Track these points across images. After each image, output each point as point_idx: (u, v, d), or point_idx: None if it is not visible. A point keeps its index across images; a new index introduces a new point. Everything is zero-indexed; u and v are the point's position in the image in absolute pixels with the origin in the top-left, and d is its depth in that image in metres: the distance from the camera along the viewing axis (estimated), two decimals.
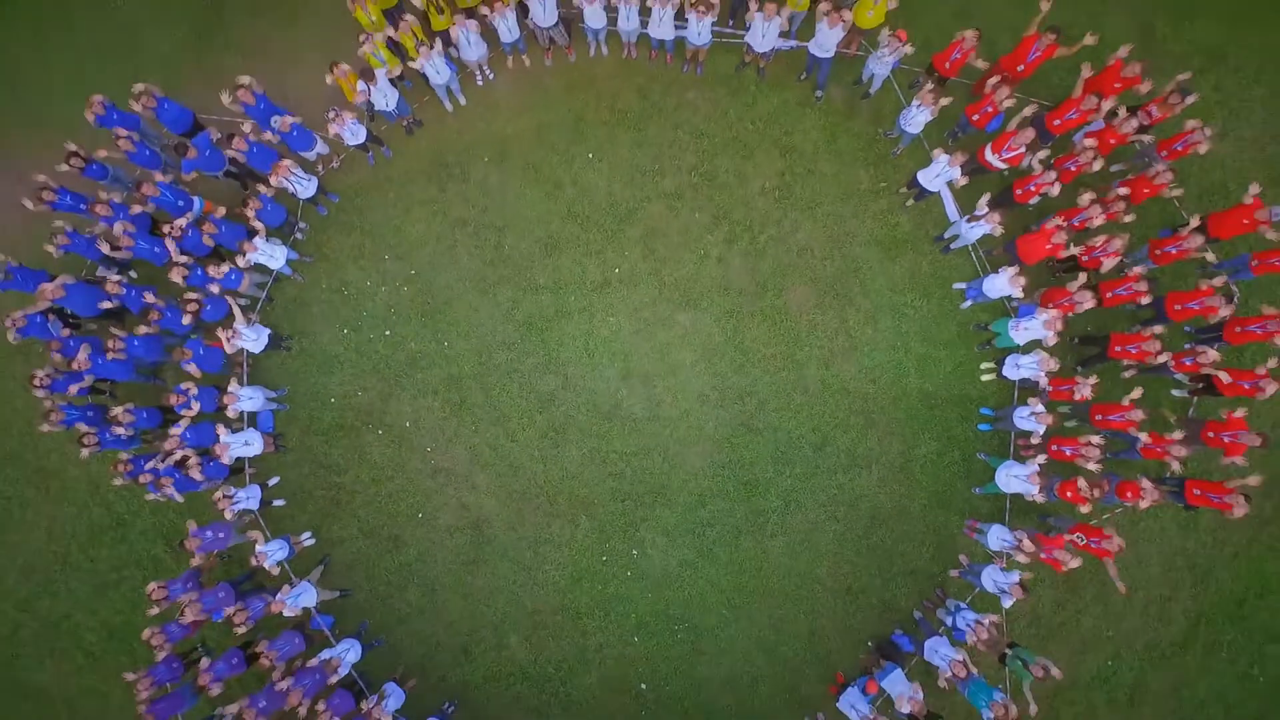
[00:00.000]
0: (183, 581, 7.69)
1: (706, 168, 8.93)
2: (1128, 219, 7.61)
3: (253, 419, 8.41)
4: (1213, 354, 7.49)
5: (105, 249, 7.81)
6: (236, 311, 7.89)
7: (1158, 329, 7.50)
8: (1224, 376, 7.53)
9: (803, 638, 8.61)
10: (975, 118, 7.97)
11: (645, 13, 8.22)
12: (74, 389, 7.68)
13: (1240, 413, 7.39)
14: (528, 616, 8.70)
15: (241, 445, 7.95)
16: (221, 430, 7.67)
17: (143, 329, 7.79)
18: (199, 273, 7.76)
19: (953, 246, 8.62)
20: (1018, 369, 8.02)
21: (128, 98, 7.54)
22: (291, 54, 9.08)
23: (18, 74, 9.31)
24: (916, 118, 7.98)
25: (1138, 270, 7.51)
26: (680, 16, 8.11)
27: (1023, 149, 7.66)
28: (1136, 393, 7.36)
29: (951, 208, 8.47)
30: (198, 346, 7.82)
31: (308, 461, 8.74)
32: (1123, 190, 7.72)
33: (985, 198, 7.81)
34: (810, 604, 8.65)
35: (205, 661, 7.36)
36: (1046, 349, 7.74)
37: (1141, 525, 8.52)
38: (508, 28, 8.21)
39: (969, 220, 7.92)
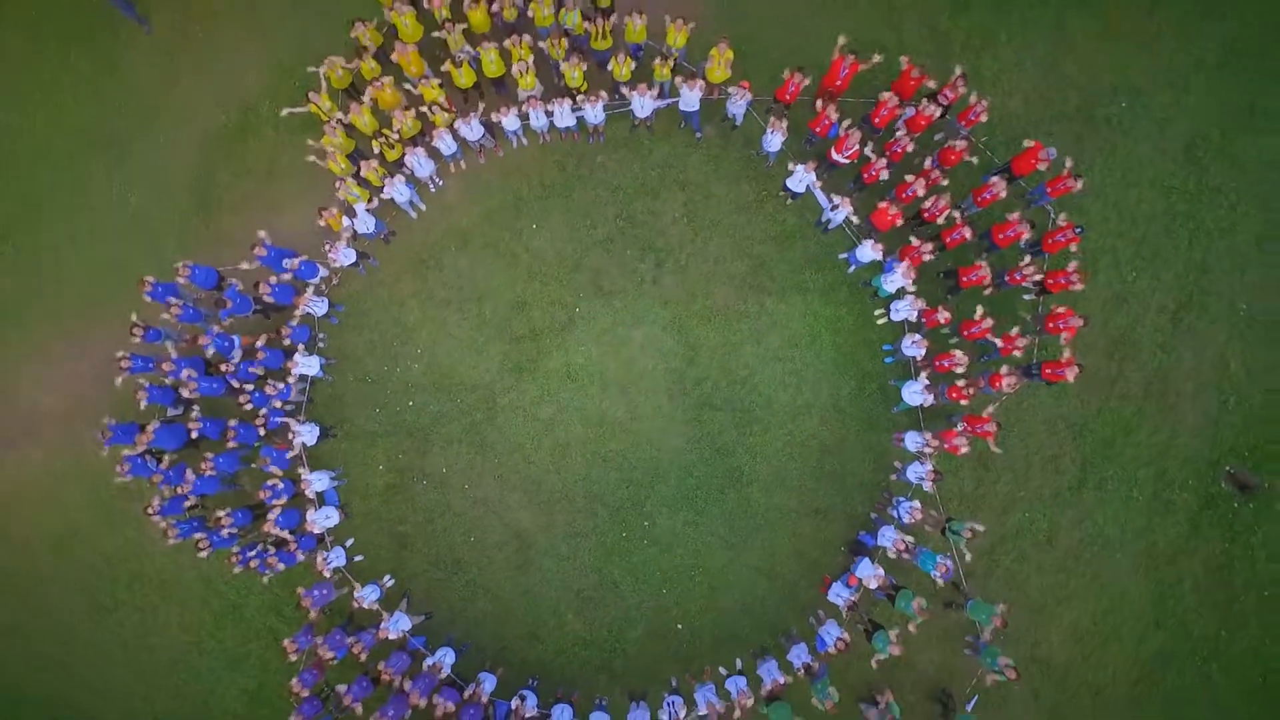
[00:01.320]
0: (304, 634, 9.80)
1: (626, 213, 11.18)
2: (944, 182, 9.98)
3: (322, 497, 10.52)
4: (1033, 267, 9.90)
5: (186, 392, 9.85)
6: (291, 422, 10.03)
7: (983, 261, 9.90)
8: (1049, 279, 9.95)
9: (791, 557, 10.88)
10: (816, 129, 10.29)
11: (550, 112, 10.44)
12: (188, 502, 9.76)
13: (1063, 309, 9.82)
14: (575, 596, 10.88)
15: (323, 519, 10.07)
16: (309, 510, 9.79)
17: (228, 444, 9.89)
18: (259, 395, 9.88)
19: (829, 228, 10.94)
20: (898, 311, 10.35)
21: (137, 285, 9.57)
22: (276, 205, 11.19)
23: (62, 277, 11.32)
24: (773, 139, 10.30)
25: (962, 215, 9.90)
26: (577, 104, 10.35)
27: (856, 146, 10.01)
28: (979, 311, 9.72)
29: (821, 199, 10.76)
30: (270, 451, 9.93)
31: (373, 520, 10.87)
32: (931, 163, 10.09)
33: (843, 200, 10.15)
34: (791, 529, 10.92)
35: (343, 688, 9.47)
36: (912, 291, 10.08)
37: (1025, 404, 10.91)
38: (445, 145, 10.41)
39: (832, 208, 10.25)
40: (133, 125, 11.52)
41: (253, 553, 9.86)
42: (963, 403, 9.86)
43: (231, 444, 9.85)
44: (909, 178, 9.94)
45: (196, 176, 11.37)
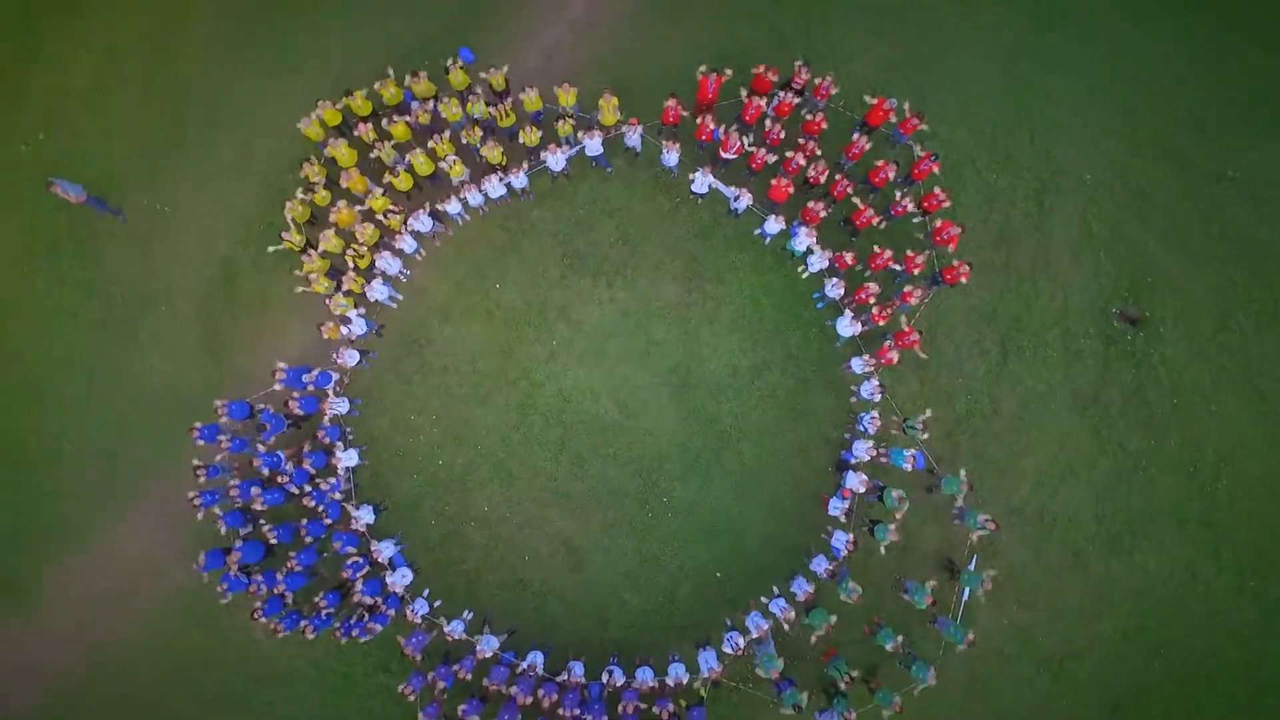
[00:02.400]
0: (415, 678, 11.54)
1: (570, 250, 13.03)
2: (819, 152, 11.94)
3: (393, 561, 12.24)
4: (909, 197, 11.89)
5: (257, 505, 11.54)
6: (349, 508, 11.78)
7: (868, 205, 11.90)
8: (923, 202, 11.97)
9: (791, 491, 12.79)
10: (702, 138, 12.21)
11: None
12: (288, 598, 11.48)
13: (942, 222, 11.84)
14: (626, 578, 12.71)
15: (400, 579, 11.82)
16: (386, 575, 11.54)
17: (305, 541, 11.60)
18: (317, 493, 11.60)
19: (739, 213, 12.84)
20: (814, 264, 12.28)
21: (187, 433, 11.29)
22: (279, 332, 12.90)
23: (125, 449, 12.94)
24: (671, 156, 12.20)
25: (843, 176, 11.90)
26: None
27: (739, 143, 11.93)
28: (877, 249, 11.69)
29: (725, 191, 12.63)
30: (340, 537, 11.66)
31: (441, 567, 12.62)
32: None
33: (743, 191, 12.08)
34: (785, 469, 12.83)
35: (462, 707, 11.22)
36: (817, 245, 12.02)
37: (941, 308, 12.92)
38: (407, 244, 12.18)
39: (735, 197, 12.18)
40: (132, 308, 13.15)
41: (352, 622, 11.58)
42: (881, 323, 11.84)
43: (307, 539, 11.56)
44: (790, 154, 11.89)
45: (203, 331, 13.04)
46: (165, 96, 13.51)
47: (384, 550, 11.92)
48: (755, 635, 11.66)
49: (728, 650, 11.68)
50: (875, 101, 11.82)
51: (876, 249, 11.82)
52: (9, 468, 13.03)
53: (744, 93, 11.83)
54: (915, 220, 12.44)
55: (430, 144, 11.92)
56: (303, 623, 11.53)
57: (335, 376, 12.25)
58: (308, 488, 11.66)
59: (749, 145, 11.98)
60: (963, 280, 11.82)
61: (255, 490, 11.45)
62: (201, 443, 11.48)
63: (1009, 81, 13.24)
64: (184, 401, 12.56)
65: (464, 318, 12.98)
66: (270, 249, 11.89)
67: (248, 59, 13.63)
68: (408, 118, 12.01)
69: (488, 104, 12.10)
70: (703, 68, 11.53)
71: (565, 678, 11.52)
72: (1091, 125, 13.17)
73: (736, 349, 12.92)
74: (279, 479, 11.63)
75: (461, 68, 11.93)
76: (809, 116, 12.15)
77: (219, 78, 13.57)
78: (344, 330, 11.89)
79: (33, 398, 13.07)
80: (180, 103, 13.50)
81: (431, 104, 12.04)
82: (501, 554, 12.70)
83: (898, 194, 12.18)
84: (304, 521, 11.57)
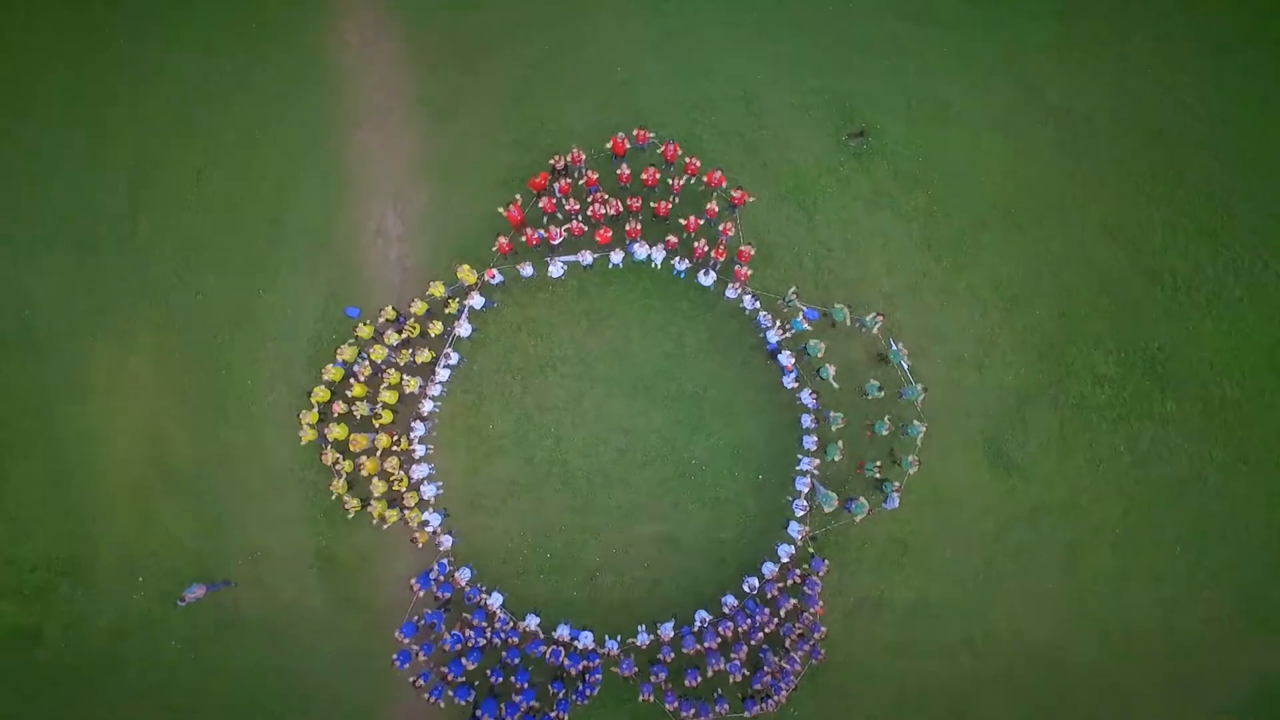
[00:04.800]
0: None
1: (513, 368, 17.12)
2: (607, 196, 16.27)
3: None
4: (718, 174, 16.29)
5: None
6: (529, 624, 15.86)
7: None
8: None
9: (767, 435, 17.18)
10: (534, 244, 16.39)
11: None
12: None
13: (707, 174, 16.36)
14: (684, 556, 17.04)
15: (583, 639, 15.95)
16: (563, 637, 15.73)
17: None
18: (495, 633, 15.64)
19: (589, 266, 16.92)
20: (657, 256, 16.59)
21: (390, 665, 15.24)
22: (386, 559, 16.79)
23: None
24: (525, 269, 16.36)
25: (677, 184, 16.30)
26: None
27: (555, 231, 16.15)
28: (683, 220, 16.07)
29: (577, 258, 16.69)
30: (533, 646, 15.73)
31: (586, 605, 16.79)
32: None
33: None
34: (741, 382, 17.22)
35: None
36: (655, 247, 16.35)
37: (752, 222, 17.36)
38: (420, 450, 16.18)
39: (582, 258, 16.40)
40: (282, 611, 16.91)
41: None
42: (721, 259, 16.33)
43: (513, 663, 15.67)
44: (590, 210, 16.19)
45: (343, 599, 16.89)
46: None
47: (562, 632, 16.04)
48: (805, 491, 16.16)
49: (798, 514, 16.19)
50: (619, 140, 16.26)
51: (683, 220, 16.19)
52: None
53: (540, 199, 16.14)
54: (694, 184, 16.89)
55: (382, 386, 15.93)
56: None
57: (447, 560, 16.22)
58: (491, 637, 15.75)
59: (559, 229, 16.15)
60: (749, 199, 16.38)
61: (466, 664, 15.45)
62: (405, 666, 15.42)
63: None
64: (371, 654, 16.45)
65: (487, 459, 17.04)
66: (351, 515, 15.80)
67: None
68: (354, 380, 15.97)
69: (396, 330, 16.13)
70: (499, 208, 15.75)
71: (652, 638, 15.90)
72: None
73: (657, 342, 17.23)
74: (469, 645, 15.64)
75: (364, 322, 16.02)
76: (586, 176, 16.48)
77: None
78: (428, 527, 15.90)
79: None
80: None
81: (364, 357, 16.03)
82: (578, 581, 17.00)
83: (670, 181, 16.58)
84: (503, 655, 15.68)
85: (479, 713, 15.51)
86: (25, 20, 17.79)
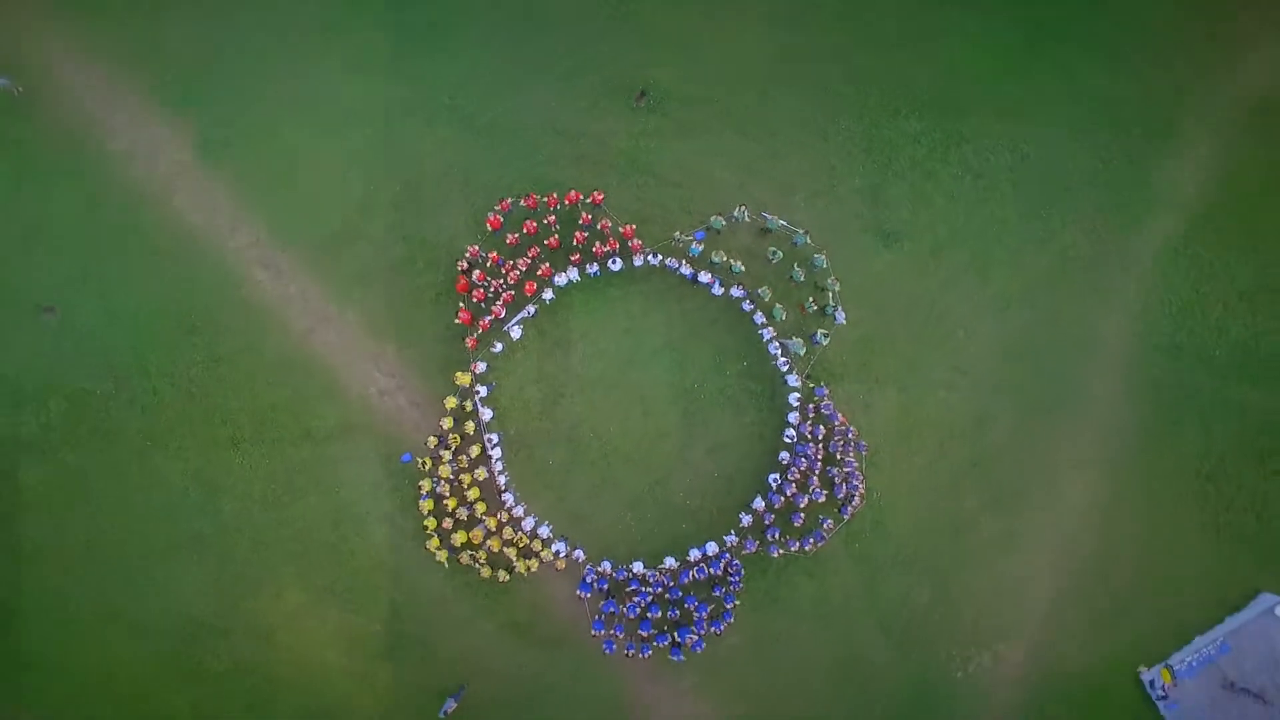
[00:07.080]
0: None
1: (550, 391, 21.40)
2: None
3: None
4: (572, 192, 20.45)
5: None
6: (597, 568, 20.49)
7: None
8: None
9: (734, 338, 21.55)
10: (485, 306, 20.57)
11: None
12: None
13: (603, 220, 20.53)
14: (732, 453, 21.52)
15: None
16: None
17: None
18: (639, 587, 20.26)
19: (550, 299, 21.17)
20: (618, 264, 20.80)
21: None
22: (550, 595, 21.28)
23: None
24: (515, 329, 20.57)
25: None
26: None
27: (513, 268, 20.30)
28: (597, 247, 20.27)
29: (531, 311, 20.90)
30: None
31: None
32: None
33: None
34: (714, 325, 21.55)
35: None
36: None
37: (646, 216, 21.54)
38: (503, 480, 20.55)
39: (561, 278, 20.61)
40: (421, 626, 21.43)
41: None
42: (616, 247, 20.59)
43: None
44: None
45: (542, 655, 21.39)
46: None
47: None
48: (779, 352, 20.71)
49: (784, 369, 20.74)
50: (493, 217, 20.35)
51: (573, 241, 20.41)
52: None
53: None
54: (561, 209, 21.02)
55: (464, 490, 20.28)
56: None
57: (590, 567, 20.69)
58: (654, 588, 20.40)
59: (498, 304, 20.30)
60: (602, 198, 20.61)
61: (649, 618, 20.10)
62: (612, 651, 20.02)
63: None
64: (600, 666, 21.04)
65: (564, 482, 21.41)
66: (505, 582, 20.26)
67: None
68: (445, 500, 20.28)
69: (445, 448, 20.37)
70: (455, 319, 19.95)
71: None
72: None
73: (617, 326, 21.50)
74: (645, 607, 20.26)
75: (418, 468, 20.31)
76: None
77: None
78: (560, 555, 20.35)
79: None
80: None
81: (436, 480, 20.29)
82: (644, 539, 21.57)
83: (545, 221, 20.74)
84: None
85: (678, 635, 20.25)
86: None
